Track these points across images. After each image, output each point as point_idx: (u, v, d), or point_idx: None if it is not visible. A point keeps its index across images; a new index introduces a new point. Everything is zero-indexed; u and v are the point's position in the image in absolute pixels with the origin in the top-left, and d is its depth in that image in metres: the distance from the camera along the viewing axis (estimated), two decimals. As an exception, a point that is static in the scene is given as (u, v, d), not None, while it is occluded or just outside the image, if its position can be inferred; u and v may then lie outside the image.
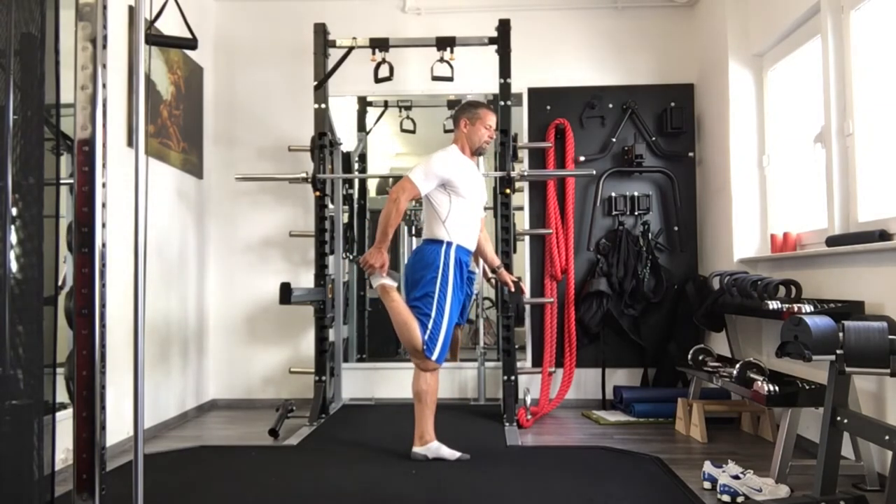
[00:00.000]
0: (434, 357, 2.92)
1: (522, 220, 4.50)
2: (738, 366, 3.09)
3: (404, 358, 4.53)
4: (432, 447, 2.98)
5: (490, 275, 3.47)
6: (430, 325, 2.92)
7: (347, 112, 5.11)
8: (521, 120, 4.48)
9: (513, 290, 3.38)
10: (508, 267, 3.81)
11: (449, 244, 2.98)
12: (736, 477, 2.46)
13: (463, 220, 3.03)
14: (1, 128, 1.57)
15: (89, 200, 1.63)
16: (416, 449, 2.98)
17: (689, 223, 4.43)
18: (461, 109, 3.16)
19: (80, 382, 1.62)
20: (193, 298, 4.26)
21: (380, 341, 5.26)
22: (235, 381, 4.51)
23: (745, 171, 3.91)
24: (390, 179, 5.72)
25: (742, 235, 3.89)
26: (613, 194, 4.41)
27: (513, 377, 3.79)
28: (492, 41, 3.99)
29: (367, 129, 5.27)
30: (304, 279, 4.39)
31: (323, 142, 4.00)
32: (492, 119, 3.14)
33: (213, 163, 4.55)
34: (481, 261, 3.46)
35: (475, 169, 3.15)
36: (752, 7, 3.86)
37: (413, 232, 5.72)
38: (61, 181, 1.87)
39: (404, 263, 5.73)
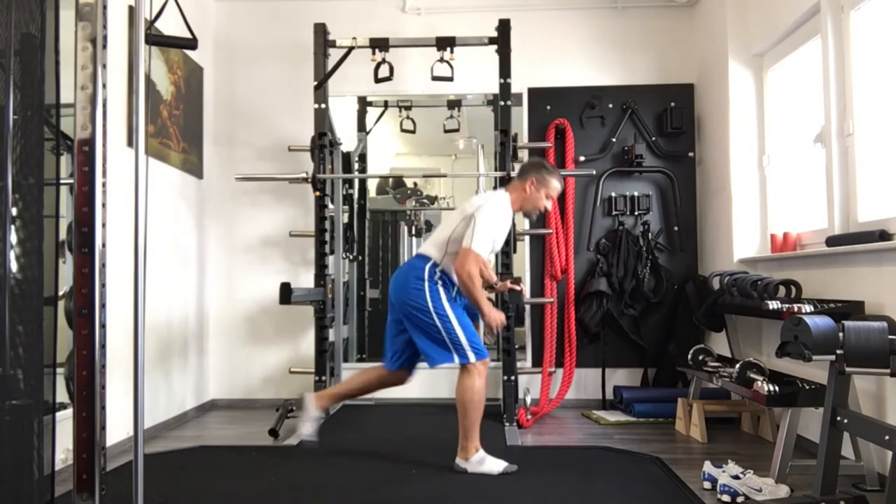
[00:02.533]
0: (472, 359, 2.75)
1: (522, 221, 4.50)
2: (738, 366, 3.09)
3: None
4: (473, 461, 2.80)
5: (487, 292, 3.37)
6: (445, 339, 2.76)
7: (347, 112, 5.11)
8: (521, 120, 4.48)
9: (516, 289, 3.34)
10: (508, 267, 3.81)
11: (435, 264, 2.85)
12: (736, 477, 2.46)
13: None
14: (1, 128, 1.57)
15: (89, 200, 1.63)
16: (458, 461, 2.81)
17: (689, 223, 4.43)
18: (534, 167, 2.98)
19: (80, 382, 1.62)
20: (193, 298, 4.26)
21: (380, 341, 5.22)
22: (235, 381, 4.51)
23: (745, 171, 3.91)
24: (390, 179, 5.72)
25: (742, 235, 3.89)
26: (613, 194, 4.41)
27: (513, 377, 3.79)
28: (492, 41, 3.99)
29: (367, 129, 5.27)
30: (304, 279, 4.39)
31: (323, 142, 4.00)
32: (558, 193, 2.99)
33: (213, 163, 4.55)
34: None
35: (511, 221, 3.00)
36: (752, 7, 3.86)
37: (413, 232, 5.72)
38: (61, 181, 1.87)
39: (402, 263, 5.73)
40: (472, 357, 2.76)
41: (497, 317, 2.84)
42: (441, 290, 2.82)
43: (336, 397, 3.07)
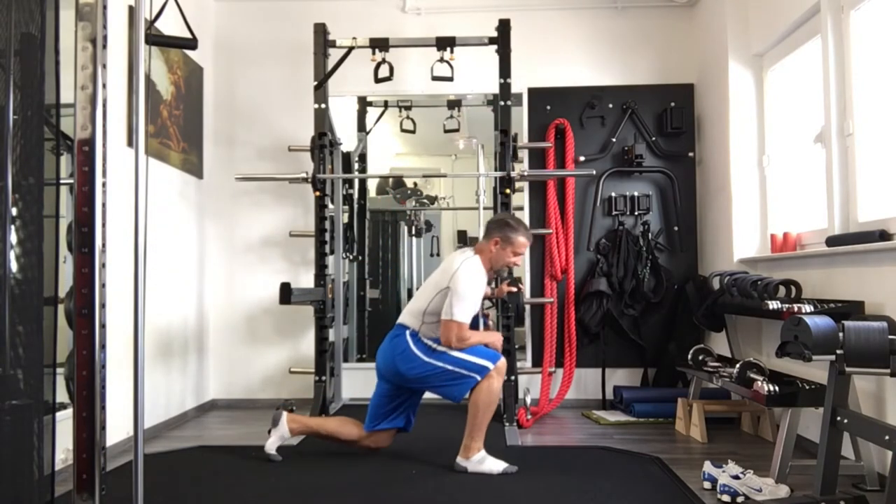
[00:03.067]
0: (490, 366, 2.77)
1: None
2: (738, 366, 3.09)
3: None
4: (473, 460, 2.79)
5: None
6: (459, 370, 2.78)
7: (347, 112, 5.11)
8: (521, 120, 4.48)
9: (514, 290, 3.34)
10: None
11: (414, 332, 2.89)
12: (736, 477, 2.46)
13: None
14: (1, 128, 1.57)
15: (89, 200, 1.63)
16: (459, 460, 2.82)
17: (689, 223, 4.43)
18: (499, 226, 2.97)
19: (80, 382, 1.62)
20: (193, 298, 4.26)
21: (380, 341, 5.23)
22: (235, 381, 4.51)
23: (745, 171, 3.91)
24: (390, 179, 5.72)
25: (742, 235, 3.89)
26: (613, 194, 4.41)
27: (513, 377, 3.79)
28: (492, 41, 3.99)
29: (367, 129, 5.27)
30: (304, 279, 4.39)
31: (323, 142, 4.00)
32: (525, 248, 2.99)
33: (213, 163, 4.55)
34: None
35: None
36: (752, 7, 3.86)
37: (413, 232, 5.72)
38: (61, 181, 1.87)
39: (405, 267, 5.72)
40: (489, 365, 2.79)
41: (497, 340, 2.91)
42: (426, 340, 2.88)
43: (308, 428, 3.06)
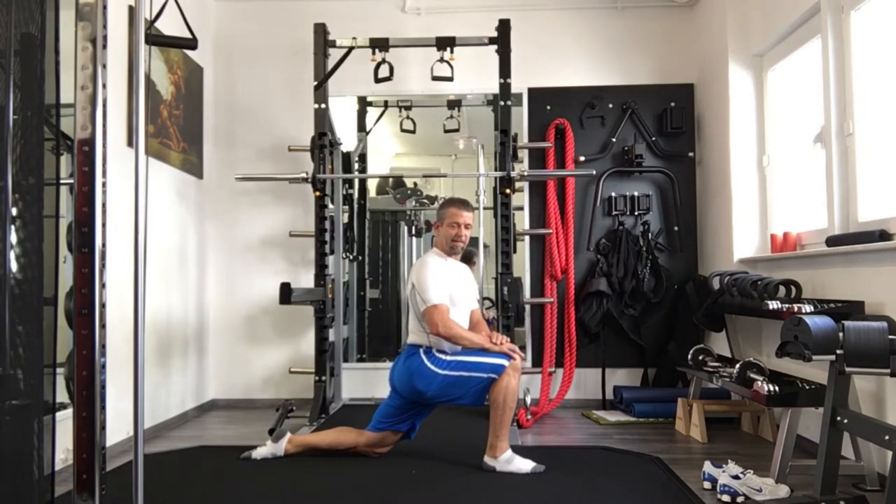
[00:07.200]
0: (505, 363, 2.78)
1: (522, 220, 4.50)
2: (738, 366, 3.09)
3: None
4: (501, 460, 2.80)
5: None
6: (476, 374, 2.79)
7: (347, 112, 5.11)
8: (521, 120, 4.48)
9: None
10: (508, 266, 3.81)
11: (428, 348, 2.90)
12: (736, 477, 2.46)
13: None
14: (1, 128, 1.57)
15: (89, 200, 1.63)
16: (487, 459, 2.82)
17: (689, 223, 4.43)
18: (437, 212, 3.10)
19: (80, 382, 1.62)
20: (193, 298, 4.26)
21: (380, 341, 5.26)
22: (235, 381, 4.51)
23: (745, 171, 3.91)
24: (390, 179, 5.72)
25: (742, 235, 3.89)
26: (613, 194, 4.41)
27: (513, 377, 3.78)
28: (492, 41, 3.99)
29: (367, 129, 5.27)
30: (304, 279, 4.39)
31: (323, 142, 4.00)
32: (459, 216, 3.00)
33: (213, 163, 4.55)
34: (481, 257, 3.44)
35: (458, 268, 3.08)
36: (752, 7, 3.86)
37: (413, 232, 5.71)
38: (61, 181, 1.87)
39: (405, 267, 5.72)
40: (504, 363, 2.80)
41: (504, 342, 2.90)
42: (440, 355, 2.89)
43: (306, 446, 3.06)
